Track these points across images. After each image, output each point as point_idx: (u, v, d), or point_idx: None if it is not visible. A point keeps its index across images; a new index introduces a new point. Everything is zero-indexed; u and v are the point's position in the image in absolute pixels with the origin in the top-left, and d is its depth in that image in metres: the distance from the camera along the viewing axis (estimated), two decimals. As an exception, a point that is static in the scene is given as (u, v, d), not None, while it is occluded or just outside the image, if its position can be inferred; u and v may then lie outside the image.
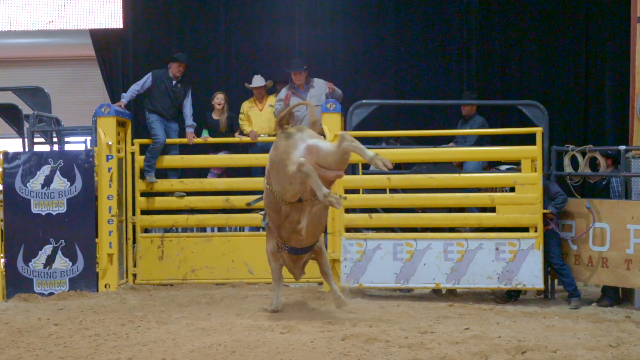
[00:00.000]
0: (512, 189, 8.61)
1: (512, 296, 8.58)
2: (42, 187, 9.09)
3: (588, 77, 11.25)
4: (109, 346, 6.36)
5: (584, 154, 8.73)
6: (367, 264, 8.69)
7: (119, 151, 9.48)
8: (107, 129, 9.28)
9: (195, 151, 10.05)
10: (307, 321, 7.21)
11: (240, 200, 9.43)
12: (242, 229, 9.89)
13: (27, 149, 9.83)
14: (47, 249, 9.09)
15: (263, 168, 8.04)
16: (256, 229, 9.55)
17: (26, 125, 10.15)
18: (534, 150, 8.55)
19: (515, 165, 8.96)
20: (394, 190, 8.99)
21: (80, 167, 9.13)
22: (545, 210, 8.43)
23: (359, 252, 8.71)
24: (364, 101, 9.19)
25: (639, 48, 8.98)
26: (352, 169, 9.13)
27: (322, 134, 7.98)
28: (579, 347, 6.26)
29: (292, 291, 8.97)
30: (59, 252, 9.08)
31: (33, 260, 9.08)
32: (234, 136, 9.96)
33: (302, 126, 7.55)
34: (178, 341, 6.48)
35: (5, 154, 9.17)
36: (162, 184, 9.76)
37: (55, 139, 10.28)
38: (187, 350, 6.17)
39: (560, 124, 10.98)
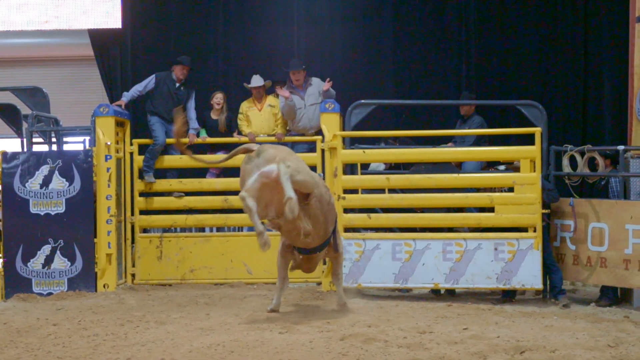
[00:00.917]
0: (511, 189, 8.61)
1: (507, 297, 8.56)
2: (41, 187, 9.08)
3: (587, 77, 11.26)
4: (107, 346, 6.36)
5: (582, 154, 8.72)
6: (365, 264, 8.68)
7: (117, 151, 9.46)
8: (106, 129, 9.28)
9: (194, 151, 10.01)
10: (305, 321, 7.21)
11: (238, 200, 9.36)
12: (240, 229, 9.87)
13: (25, 149, 9.81)
14: (46, 249, 9.08)
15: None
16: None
17: (25, 125, 10.14)
18: (533, 151, 8.53)
19: (510, 164, 8.97)
20: (392, 191, 8.98)
21: (79, 167, 9.13)
22: (544, 211, 8.43)
23: (357, 252, 8.69)
24: (363, 101, 9.18)
25: (637, 48, 8.95)
26: (352, 169, 9.14)
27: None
28: (578, 347, 6.25)
29: (291, 291, 8.94)
30: (58, 252, 9.07)
31: (32, 260, 9.07)
32: (232, 136, 9.95)
33: (264, 147, 7.27)
34: (177, 341, 6.48)
35: (4, 154, 9.16)
36: (161, 184, 9.75)
37: (53, 139, 10.25)
38: (185, 350, 6.16)
39: (559, 124, 11.00)
